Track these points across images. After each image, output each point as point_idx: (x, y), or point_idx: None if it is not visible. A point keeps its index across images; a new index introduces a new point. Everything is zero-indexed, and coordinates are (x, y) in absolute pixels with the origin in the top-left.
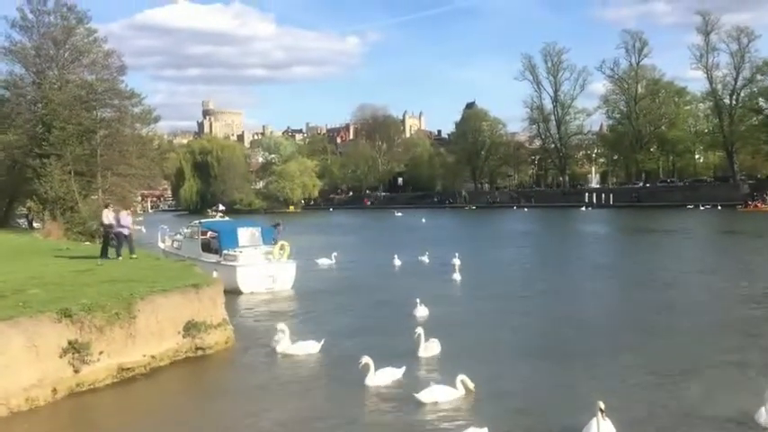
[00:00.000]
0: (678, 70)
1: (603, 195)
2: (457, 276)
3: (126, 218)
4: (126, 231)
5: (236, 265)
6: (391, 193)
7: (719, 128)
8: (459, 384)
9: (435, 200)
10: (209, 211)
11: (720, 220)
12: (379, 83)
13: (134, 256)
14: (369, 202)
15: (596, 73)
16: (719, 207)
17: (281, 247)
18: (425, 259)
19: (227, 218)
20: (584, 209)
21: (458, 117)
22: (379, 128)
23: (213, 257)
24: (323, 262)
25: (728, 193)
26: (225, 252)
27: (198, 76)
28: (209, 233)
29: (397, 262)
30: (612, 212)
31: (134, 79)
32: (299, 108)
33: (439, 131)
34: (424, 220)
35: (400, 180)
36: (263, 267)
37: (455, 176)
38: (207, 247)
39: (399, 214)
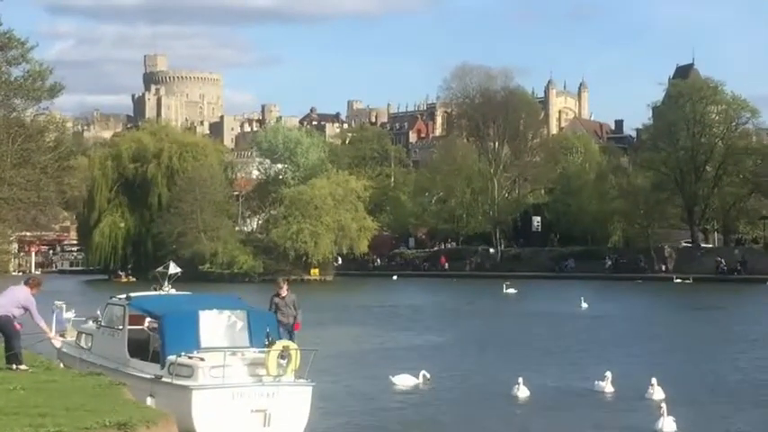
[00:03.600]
0: None
1: None
2: (663, 426)
3: (19, 293)
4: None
5: (193, 388)
6: (518, 246)
7: None
8: None
9: (609, 264)
10: (154, 273)
11: None
12: (496, 25)
13: (22, 367)
14: (446, 263)
15: None
16: None
17: (283, 354)
18: (603, 385)
19: (179, 291)
20: None
21: (656, 95)
22: (496, 113)
23: (150, 368)
24: (403, 382)
25: None
26: (172, 359)
27: (136, 5)
28: (147, 320)
29: (523, 391)
30: None
31: (15, 14)
32: (334, 75)
33: (618, 124)
34: (585, 305)
35: (537, 221)
36: (247, 395)
37: (651, 217)
38: (139, 348)
39: (513, 290)
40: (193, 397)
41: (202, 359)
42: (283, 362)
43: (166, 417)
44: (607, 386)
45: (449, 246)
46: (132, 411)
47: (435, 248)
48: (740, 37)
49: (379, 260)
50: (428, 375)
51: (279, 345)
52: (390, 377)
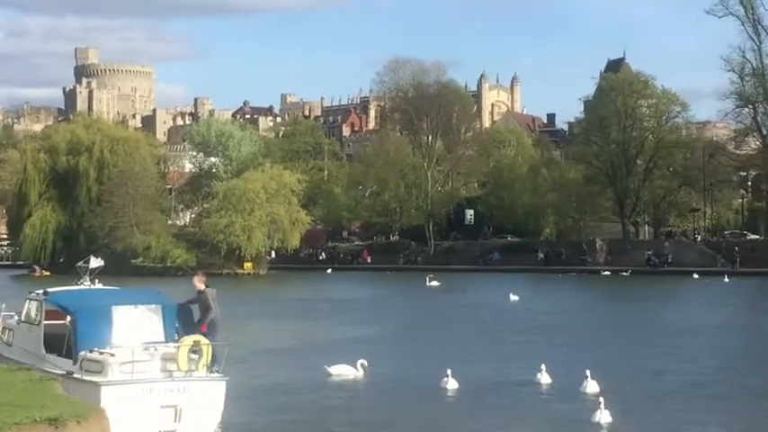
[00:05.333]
0: None
1: None
2: (601, 417)
3: None
4: None
5: (102, 383)
6: (452, 240)
7: None
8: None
9: (541, 256)
10: (79, 266)
11: None
12: (428, 16)
13: None
14: (369, 257)
15: None
16: None
17: (194, 349)
18: (537, 377)
19: (108, 286)
20: None
21: (588, 89)
22: (429, 106)
23: (64, 363)
24: (341, 372)
25: None
26: (83, 354)
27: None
28: (66, 316)
29: (452, 383)
30: None
31: None
32: (267, 68)
33: (550, 118)
34: (515, 298)
35: (470, 214)
36: (157, 390)
37: (583, 210)
38: (56, 344)
39: (436, 283)
40: (102, 393)
41: (113, 355)
42: (195, 357)
43: (98, 412)
44: (542, 378)
45: (381, 239)
46: (63, 407)
47: (370, 242)
48: (670, 32)
49: (323, 254)
50: (366, 364)
51: (189, 339)
52: (326, 367)
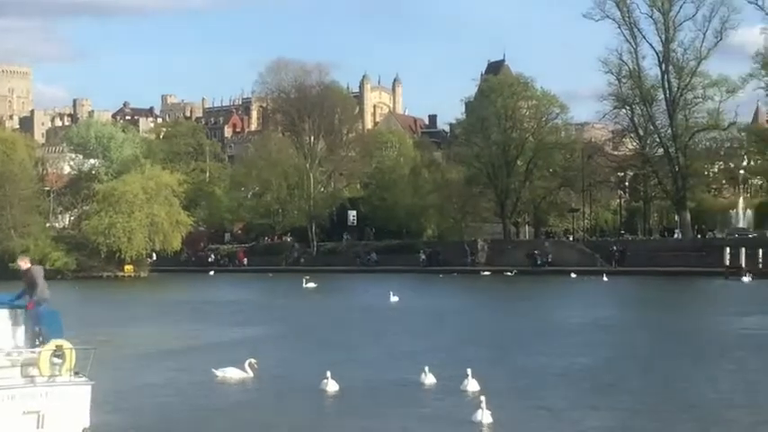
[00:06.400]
0: None
1: (762, 253)
2: (483, 416)
3: None
4: None
5: None
6: (335, 241)
7: None
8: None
9: (423, 257)
10: None
11: None
12: (312, 17)
13: None
14: (245, 258)
15: (747, 9)
16: None
17: (57, 353)
18: (418, 377)
19: None
20: (723, 280)
21: (469, 91)
22: (311, 108)
23: None
24: (228, 374)
25: None
26: None
27: None
28: None
29: (332, 385)
30: None
31: None
32: (148, 69)
33: (432, 119)
34: (395, 298)
35: (352, 215)
36: (19, 396)
37: (465, 210)
38: None
39: (313, 285)
40: None
41: None
42: (58, 361)
43: None
44: (424, 378)
45: (264, 241)
46: None
47: (253, 243)
48: (550, 34)
49: (213, 256)
50: (254, 363)
51: (51, 344)
52: (213, 370)
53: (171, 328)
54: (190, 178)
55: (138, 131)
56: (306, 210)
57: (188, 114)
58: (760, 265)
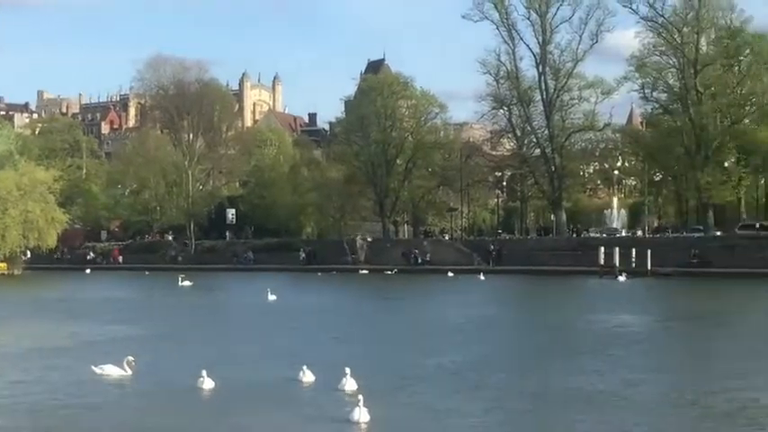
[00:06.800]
0: None
1: (635, 252)
2: (360, 415)
3: None
4: None
5: None
6: (214, 239)
7: None
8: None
9: (303, 256)
10: None
11: None
12: (191, 13)
13: None
14: (120, 258)
15: (622, 12)
16: None
17: None
18: (296, 376)
19: None
20: (598, 279)
21: (349, 89)
22: (190, 105)
23: None
24: (107, 372)
25: None
26: None
27: None
28: None
29: (209, 383)
30: (654, 288)
31: None
32: (23, 63)
33: (311, 117)
34: (273, 297)
35: (231, 213)
36: None
37: (344, 209)
38: None
39: (188, 283)
40: None
41: None
42: None
43: None
44: (302, 376)
45: (141, 239)
46: None
47: (129, 241)
48: (430, 34)
49: (92, 253)
50: (132, 360)
51: None
52: (92, 367)
53: (45, 326)
54: (66, 175)
55: (14, 127)
56: (184, 208)
57: (64, 110)
58: (633, 265)
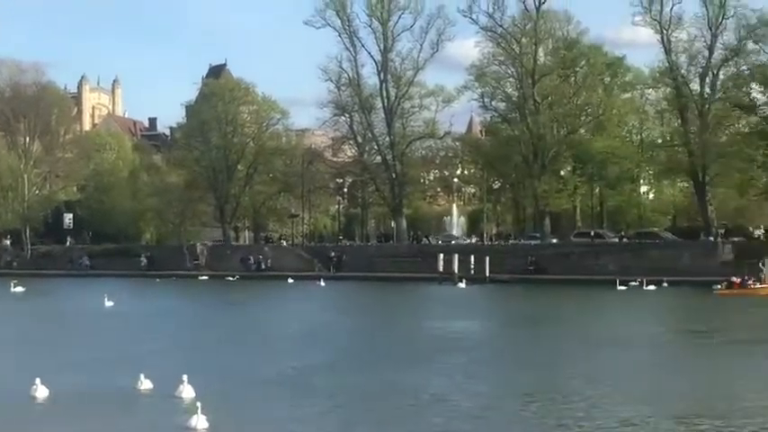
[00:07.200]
0: (612, 24)
1: (474, 259)
2: (198, 422)
3: None
4: None
5: None
6: (51, 243)
7: (683, 136)
8: None
9: (144, 262)
10: None
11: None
12: (28, 14)
13: None
14: None
15: (463, 22)
16: (682, 285)
17: None
18: (132, 384)
19: None
20: (438, 285)
21: (191, 94)
22: (27, 108)
23: None
24: None
25: (699, 261)
26: None
27: None
28: None
29: (43, 391)
30: (492, 294)
31: None
32: None
33: (152, 122)
34: (110, 303)
35: (68, 218)
36: None
37: (184, 215)
38: None
39: (21, 289)
40: None
41: None
42: None
43: None
44: (140, 384)
45: None
46: None
47: None
48: (273, 40)
49: None
50: None
51: None
52: None
53: None
54: None
55: None
56: (20, 212)
57: None
58: (472, 271)
